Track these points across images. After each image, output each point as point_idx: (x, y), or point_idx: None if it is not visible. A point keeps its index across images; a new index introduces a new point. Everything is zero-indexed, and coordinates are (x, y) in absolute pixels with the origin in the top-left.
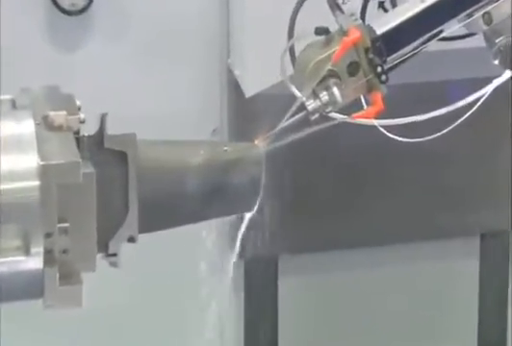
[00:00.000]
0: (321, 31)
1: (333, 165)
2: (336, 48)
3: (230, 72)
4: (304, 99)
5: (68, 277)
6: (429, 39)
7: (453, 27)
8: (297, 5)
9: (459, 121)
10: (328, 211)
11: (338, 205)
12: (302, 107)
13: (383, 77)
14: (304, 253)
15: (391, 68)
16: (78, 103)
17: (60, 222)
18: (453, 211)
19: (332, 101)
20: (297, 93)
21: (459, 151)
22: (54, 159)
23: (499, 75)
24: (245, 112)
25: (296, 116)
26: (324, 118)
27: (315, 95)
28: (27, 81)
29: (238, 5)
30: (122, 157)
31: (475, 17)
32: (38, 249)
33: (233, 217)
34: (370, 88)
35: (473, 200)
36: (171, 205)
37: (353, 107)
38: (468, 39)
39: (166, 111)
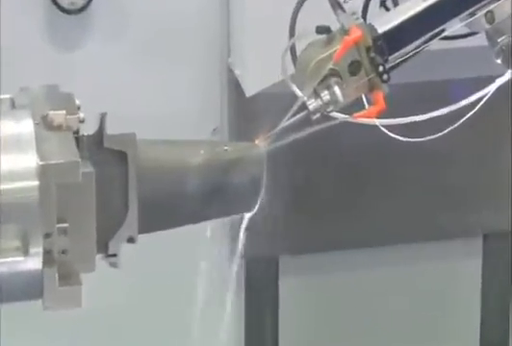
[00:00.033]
0: (323, 30)
1: (334, 165)
2: (337, 47)
3: (230, 71)
4: (305, 98)
5: (68, 277)
6: (431, 38)
7: (455, 26)
8: (298, 3)
9: (462, 120)
10: (329, 212)
11: (339, 205)
12: (303, 106)
13: (385, 76)
14: (305, 253)
15: (392, 67)
16: (77, 102)
17: (59, 222)
18: (455, 212)
19: (333, 100)
20: (298, 92)
21: (461, 151)
22: (53, 158)
23: (501, 74)
24: (246, 112)
25: (297, 116)
26: (326, 118)
27: (316, 94)
28: (26, 80)
29: (238, 3)
30: (122, 156)
31: (478, 16)
32: (37, 249)
33: (233, 217)
34: (371, 88)
35: (475, 200)
36: (171, 205)
37: (355, 106)
38: (470, 38)
39: (165, 110)
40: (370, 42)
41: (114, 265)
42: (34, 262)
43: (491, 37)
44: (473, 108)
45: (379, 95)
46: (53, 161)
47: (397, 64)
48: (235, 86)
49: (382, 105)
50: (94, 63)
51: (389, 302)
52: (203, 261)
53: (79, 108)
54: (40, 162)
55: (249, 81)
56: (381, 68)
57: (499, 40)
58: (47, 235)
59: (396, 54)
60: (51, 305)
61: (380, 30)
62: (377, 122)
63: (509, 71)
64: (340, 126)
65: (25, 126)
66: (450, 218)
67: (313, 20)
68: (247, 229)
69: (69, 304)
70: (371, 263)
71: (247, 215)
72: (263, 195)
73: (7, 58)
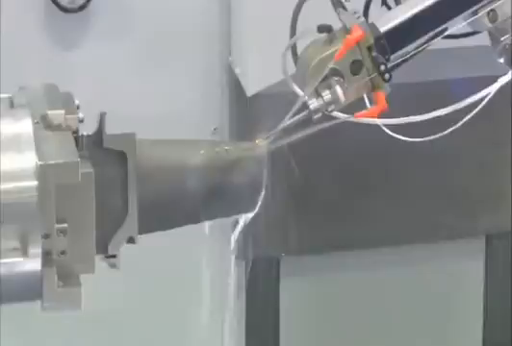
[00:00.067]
0: (324, 29)
1: (336, 166)
2: (339, 46)
3: (231, 70)
4: (306, 98)
5: (67, 278)
6: (433, 37)
7: (458, 25)
8: (300, 2)
9: (464, 120)
10: (331, 212)
11: (341, 205)
12: (304, 106)
13: (386, 75)
14: (306, 254)
15: (394, 67)
16: (77, 102)
17: (58, 223)
18: (458, 213)
19: (335, 100)
20: (299, 92)
21: (464, 151)
22: (52, 158)
23: (504, 73)
24: (247, 112)
25: (298, 116)
26: (327, 117)
27: (317, 94)
28: (25, 79)
29: (239, 3)
30: (122, 156)
31: (480, 15)
32: (36, 250)
33: (234, 218)
34: (373, 87)
35: (477, 201)
36: (171, 205)
37: (356, 106)
38: (472, 38)
39: (165, 110)
40: (371, 41)
41: (113, 266)
42: (33, 263)
43: (493, 37)
44: (475, 107)
45: (381, 95)
46: (52, 161)
47: (399, 64)
48: (235, 85)
49: (384, 104)
50: (94, 63)
51: (391, 303)
52: (204, 262)
53: (78, 107)
54: (39, 162)
55: (250, 80)
56: (383, 68)
57: (501, 40)
58: (46, 236)
59: (398, 53)
60: (50, 306)
61: (382, 29)
62: (379, 122)
63: (511, 71)
64: (341, 126)
65: (24, 125)
66: (453, 219)
67: (314, 19)
68: (249, 229)
69: (69, 305)
70: (373, 264)
71: (249, 216)
72: (263, 195)
73: (5, 56)
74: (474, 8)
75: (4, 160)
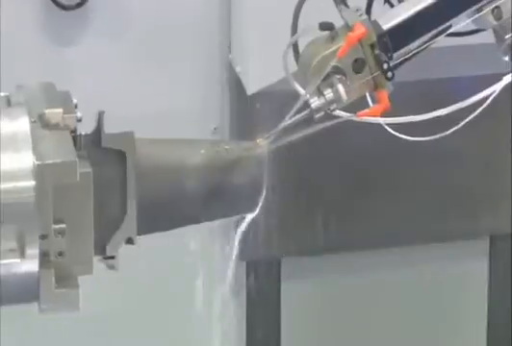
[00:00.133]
0: (326, 26)
1: (338, 166)
2: (341, 44)
3: (231, 69)
4: (308, 96)
5: (65, 280)
6: (437, 35)
7: (462, 22)
8: (301, 0)
9: (468, 119)
10: (333, 213)
11: (343, 206)
12: (306, 104)
13: (389, 74)
14: (307, 255)
15: (397, 65)
16: (75, 101)
17: (56, 223)
18: (462, 213)
19: (337, 98)
20: (301, 90)
21: (468, 151)
22: (50, 158)
23: (508, 72)
24: (247, 111)
25: (300, 115)
26: (329, 116)
27: (319, 92)
28: (22, 77)
29: (239, 0)
30: (120, 156)
31: (485, 12)
32: (33, 251)
33: (235, 218)
34: (375, 86)
35: (482, 202)
36: (171, 205)
37: (358, 105)
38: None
39: (164, 108)
40: (374, 39)
41: (112, 268)
42: (30, 264)
43: (498, 34)
44: (479, 106)
45: (383, 93)
46: (50, 161)
47: (402, 62)
48: (236, 83)
49: (386, 103)
50: (92, 60)
51: (394, 303)
52: (204, 264)
53: (76, 106)
54: (37, 162)
55: (251, 78)
56: (386, 66)
57: (506, 37)
58: (44, 237)
59: (401, 51)
60: (47, 308)
61: (385, 26)
62: (381, 121)
63: None
64: (342, 125)
65: (21, 124)
66: (457, 220)
67: (316, 17)
68: (249, 231)
69: (66, 307)
70: (376, 265)
71: (249, 216)
72: (264, 196)
73: (3, 54)
74: (478, 5)
75: (1, 160)
